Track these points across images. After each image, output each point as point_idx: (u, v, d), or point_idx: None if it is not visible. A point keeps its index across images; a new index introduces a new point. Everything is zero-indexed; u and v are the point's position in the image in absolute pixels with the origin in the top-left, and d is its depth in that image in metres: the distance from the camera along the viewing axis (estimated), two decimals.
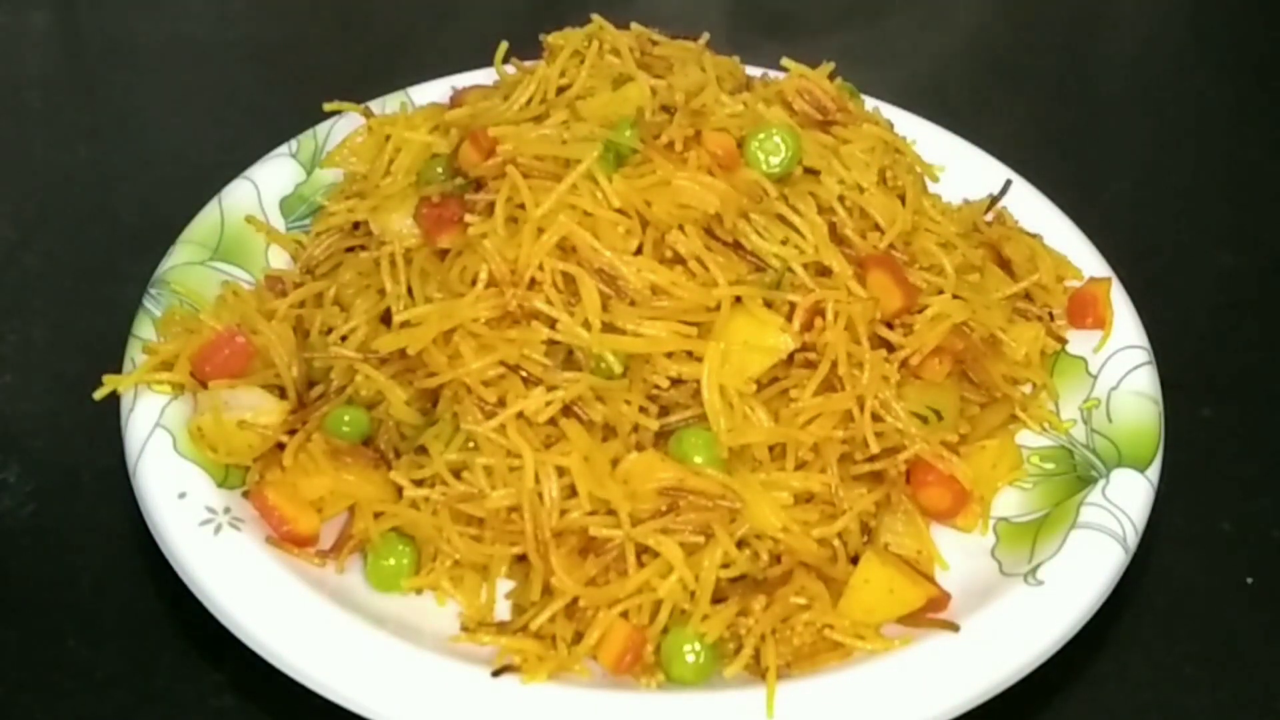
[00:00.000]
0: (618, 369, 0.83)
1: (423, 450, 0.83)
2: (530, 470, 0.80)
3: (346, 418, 0.85)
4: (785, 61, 0.99)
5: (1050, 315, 0.97)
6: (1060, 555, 0.83)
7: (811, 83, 0.97)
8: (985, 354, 0.91)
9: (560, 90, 0.94)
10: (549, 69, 0.95)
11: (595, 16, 0.99)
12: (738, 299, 0.84)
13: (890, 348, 0.87)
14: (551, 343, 0.83)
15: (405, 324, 0.84)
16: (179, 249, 0.95)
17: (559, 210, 0.84)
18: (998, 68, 1.36)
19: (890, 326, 0.87)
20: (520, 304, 0.83)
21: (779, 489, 0.82)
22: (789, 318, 0.84)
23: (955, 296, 0.90)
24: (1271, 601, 0.89)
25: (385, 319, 0.87)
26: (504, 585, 0.82)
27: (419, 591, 0.81)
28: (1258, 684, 0.85)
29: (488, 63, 1.03)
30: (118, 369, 0.88)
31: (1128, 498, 0.86)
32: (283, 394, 0.87)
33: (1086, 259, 1.00)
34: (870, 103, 1.03)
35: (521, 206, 0.84)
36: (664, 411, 0.83)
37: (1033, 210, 1.04)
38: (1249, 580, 0.90)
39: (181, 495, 0.82)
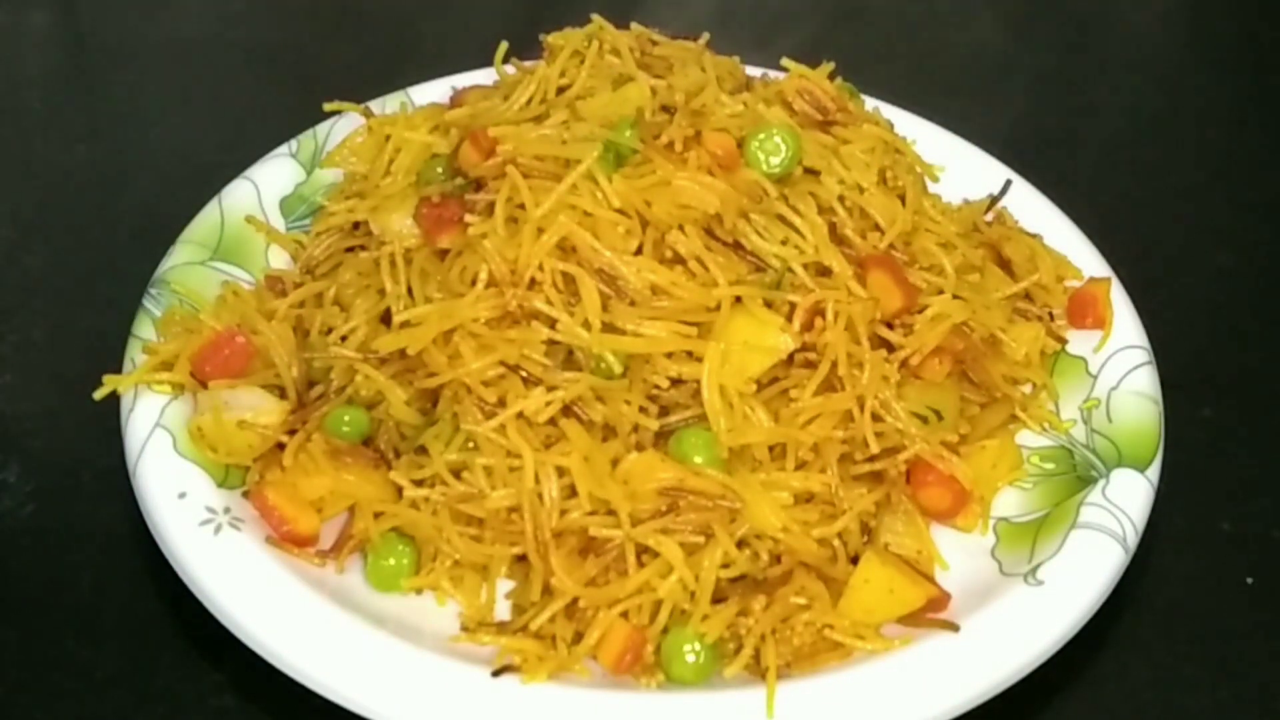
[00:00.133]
0: (618, 369, 0.83)
1: (423, 450, 0.83)
2: (530, 470, 0.80)
3: (346, 418, 0.85)
4: (785, 61, 0.99)
5: (1050, 315, 0.97)
6: (1060, 555, 0.83)
7: (811, 83, 0.97)
8: (985, 354, 0.91)
9: (560, 90, 0.94)
10: (549, 69, 0.95)
11: (595, 16, 0.99)
12: (738, 299, 0.84)
13: (890, 348, 0.87)
14: (551, 343, 0.83)
15: (405, 324, 0.84)
16: (179, 249, 0.95)
17: (559, 210, 0.84)
18: (998, 68, 1.36)
19: (890, 326, 0.87)
20: (520, 304, 0.83)
21: (779, 489, 0.82)
22: (789, 318, 0.84)
23: (955, 296, 0.90)
24: (1271, 601, 0.89)
25: (385, 319, 0.87)
26: (504, 585, 0.82)
27: (419, 591, 0.81)
28: (1258, 684, 0.85)
29: (488, 63, 1.03)
30: (118, 369, 0.88)
31: (1128, 498, 0.86)
32: (283, 394, 0.87)
33: (1086, 259, 1.00)
34: (870, 103, 1.03)
35: (521, 206, 0.84)
36: (664, 411, 0.83)
37: (1033, 210, 1.04)
38: (1249, 580, 0.90)
39: (181, 495, 0.82)
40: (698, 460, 0.81)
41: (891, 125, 1.00)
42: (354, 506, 0.83)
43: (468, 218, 0.86)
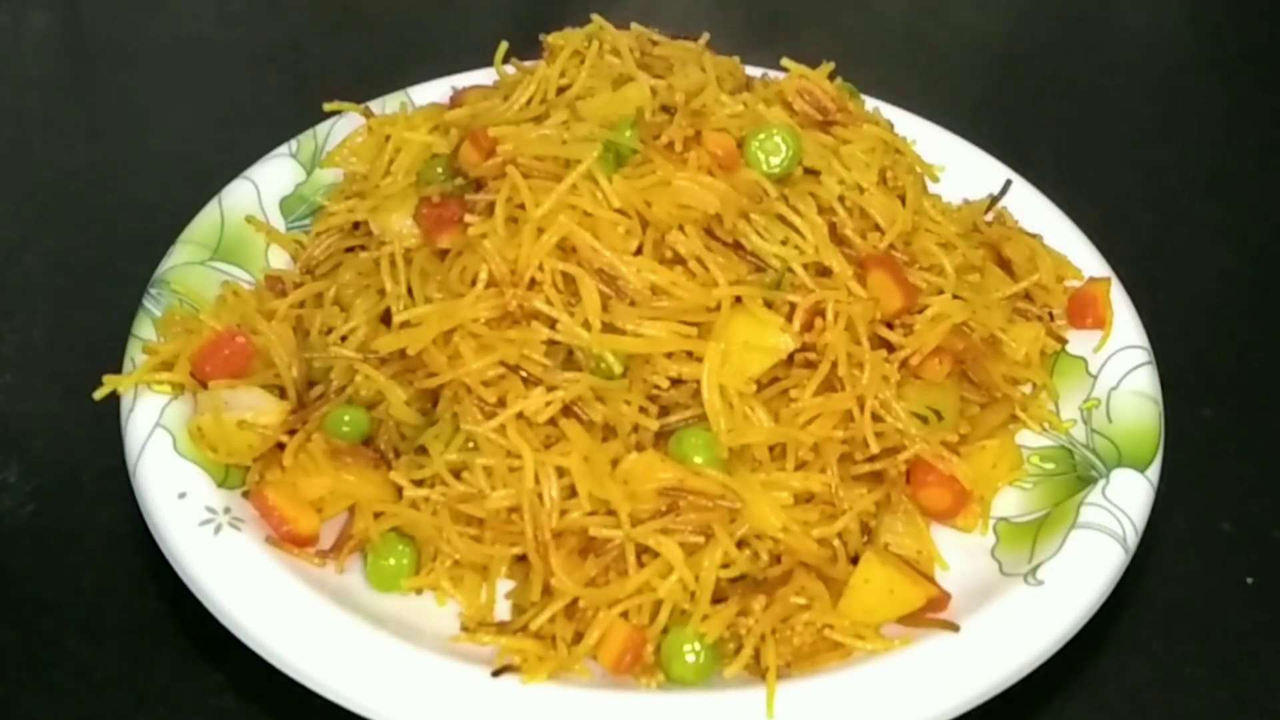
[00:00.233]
0: (618, 369, 0.83)
1: (423, 450, 0.83)
2: (530, 471, 0.80)
3: (346, 418, 0.85)
4: (785, 61, 0.99)
5: (1050, 315, 0.97)
6: (1060, 555, 0.83)
7: (811, 83, 0.97)
8: (985, 354, 0.91)
9: (560, 90, 0.94)
10: (549, 69, 0.95)
11: (595, 16, 0.99)
12: (738, 299, 0.84)
13: (890, 348, 0.87)
14: (551, 343, 0.83)
15: (405, 324, 0.84)
16: (179, 249, 0.95)
17: (559, 210, 0.84)
18: (998, 68, 1.36)
19: (890, 326, 0.87)
20: (520, 304, 0.83)
21: (779, 489, 0.82)
22: (789, 318, 0.84)
23: (955, 296, 0.90)
24: (1271, 601, 0.89)
25: (385, 319, 0.87)
26: (504, 585, 0.82)
27: (419, 591, 0.81)
28: (1258, 684, 0.85)
29: (488, 63, 1.03)
30: (118, 369, 0.88)
31: (1128, 498, 0.86)
32: (283, 394, 0.87)
33: (1086, 259, 1.00)
34: (870, 103, 1.03)
35: (521, 207, 0.84)
36: (664, 411, 0.83)
37: (1033, 210, 1.04)
38: (1249, 580, 0.90)
39: (181, 495, 0.82)
40: (698, 460, 0.81)
41: (891, 125, 1.00)
42: (354, 506, 0.83)
43: (468, 218, 0.86)
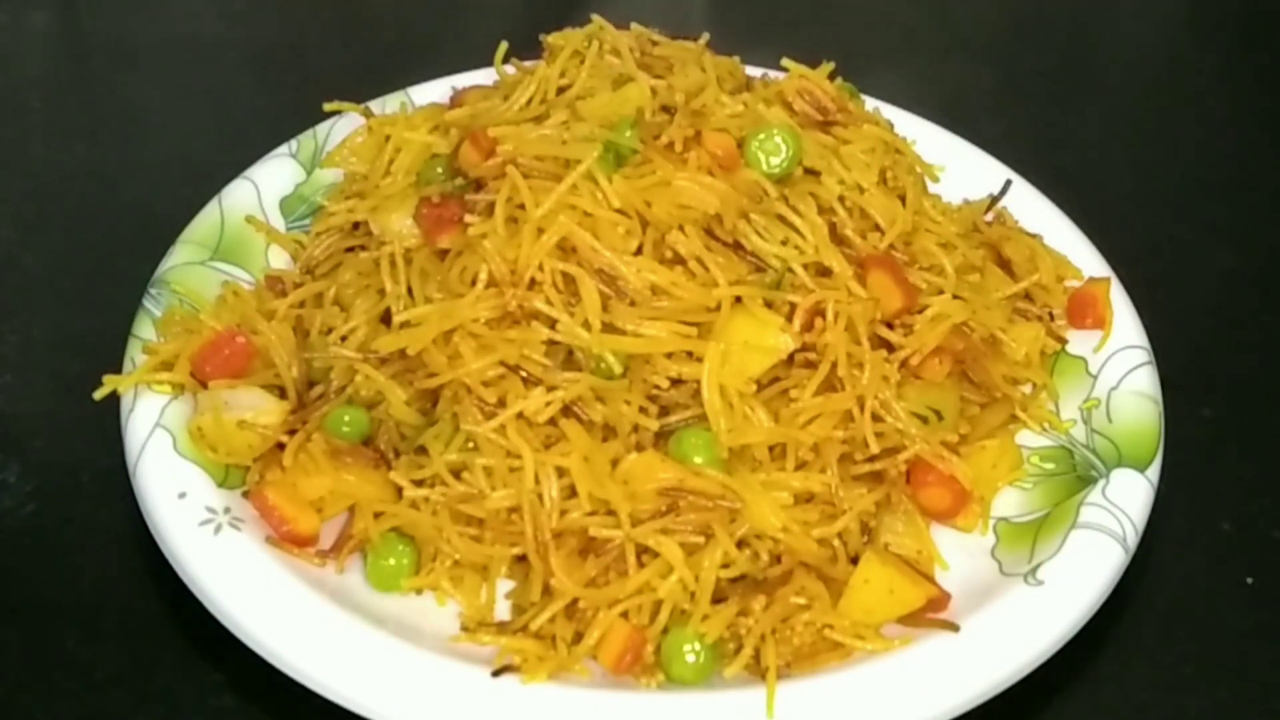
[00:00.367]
0: (618, 369, 0.83)
1: (423, 450, 0.83)
2: (530, 471, 0.80)
3: (346, 418, 0.85)
4: (785, 62, 0.99)
5: (1050, 315, 0.97)
6: (1060, 555, 0.83)
7: (811, 83, 0.97)
8: (985, 354, 0.91)
9: (560, 90, 0.94)
10: (549, 69, 0.95)
11: (595, 17, 0.99)
12: (738, 299, 0.84)
13: (890, 348, 0.87)
14: (551, 343, 0.83)
15: (405, 324, 0.84)
16: (179, 249, 0.95)
17: (559, 210, 0.84)
18: (998, 68, 1.36)
19: (890, 327, 0.87)
20: (520, 304, 0.83)
21: (779, 489, 0.82)
22: (789, 318, 0.84)
23: (955, 297, 0.90)
24: (1271, 601, 0.89)
25: (385, 319, 0.87)
26: (504, 585, 0.82)
27: (419, 591, 0.81)
28: (1258, 684, 0.85)
29: (488, 63, 1.03)
30: (118, 369, 0.88)
31: (1128, 498, 0.86)
32: (283, 394, 0.87)
33: (1086, 259, 1.00)
34: (870, 103, 1.03)
35: (521, 207, 0.84)
36: (664, 411, 0.83)
37: (1033, 210, 1.04)
38: (1249, 580, 0.90)
39: (181, 495, 0.82)
40: (698, 460, 0.81)
41: (891, 125, 1.00)
42: (354, 506, 0.83)
43: (468, 218, 0.86)
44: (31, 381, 0.97)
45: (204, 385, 0.86)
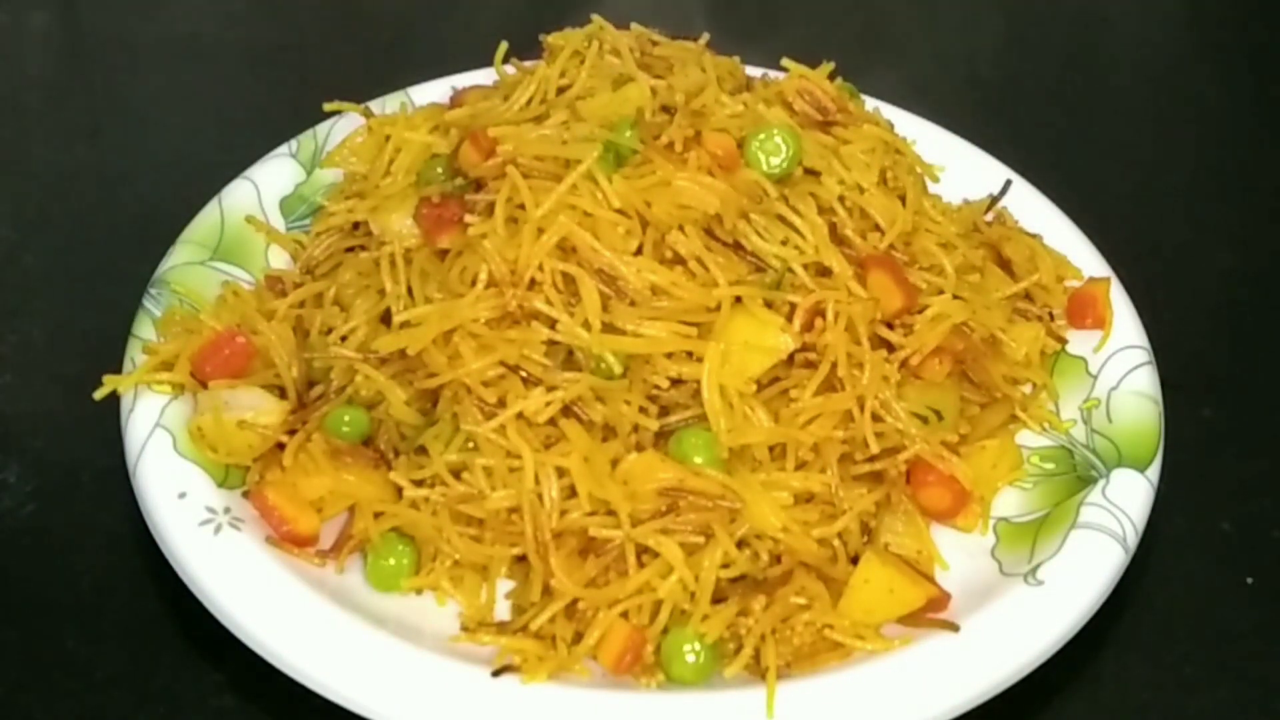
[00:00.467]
0: (618, 369, 0.83)
1: (423, 450, 0.83)
2: (530, 471, 0.80)
3: (346, 418, 0.85)
4: (785, 62, 0.99)
5: (1050, 315, 0.97)
6: (1060, 555, 0.83)
7: (811, 83, 0.97)
8: (985, 354, 0.91)
9: (560, 90, 0.94)
10: (549, 69, 0.95)
11: (595, 17, 0.99)
12: (738, 299, 0.84)
13: (890, 348, 0.87)
14: (551, 343, 0.83)
15: (405, 324, 0.84)
16: (179, 249, 0.95)
17: (559, 210, 0.84)
18: (998, 68, 1.36)
19: (890, 327, 0.87)
20: (520, 304, 0.83)
21: (779, 489, 0.82)
22: (789, 318, 0.84)
23: (955, 297, 0.90)
24: (1271, 601, 0.89)
25: (385, 319, 0.87)
26: (504, 585, 0.82)
27: (419, 591, 0.81)
28: (1258, 684, 0.85)
29: (488, 63, 1.03)
30: (118, 369, 0.88)
31: (1128, 498, 0.86)
32: (283, 394, 0.87)
33: (1086, 259, 1.00)
34: (870, 103, 1.03)
35: (521, 207, 0.84)
36: (664, 411, 0.83)
37: (1033, 210, 1.04)
38: (1249, 580, 0.90)
39: (181, 495, 0.82)
40: (698, 460, 0.81)
41: (892, 125, 1.00)
42: (354, 506, 0.83)
43: (468, 218, 0.86)
44: (31, 381, 0.97)
45: (204, 385, 0.86)
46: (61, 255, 1.07)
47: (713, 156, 0.87)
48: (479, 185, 0.88)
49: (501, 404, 0.82)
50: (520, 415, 0.81)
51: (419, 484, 0.82)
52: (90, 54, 1.32)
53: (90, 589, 0.85)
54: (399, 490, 0.83)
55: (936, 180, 1.02)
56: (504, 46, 1.02)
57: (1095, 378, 0.93)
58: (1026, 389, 0.93)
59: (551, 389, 0.82)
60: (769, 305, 0.84)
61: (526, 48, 1.01)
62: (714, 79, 0.95)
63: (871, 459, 0.84)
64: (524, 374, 0.82)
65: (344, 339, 0.87)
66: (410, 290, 0.87)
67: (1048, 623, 0.80)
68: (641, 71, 0.93)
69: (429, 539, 0.82)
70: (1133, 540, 0.84)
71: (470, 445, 0.82)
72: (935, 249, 0.92)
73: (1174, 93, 1.34)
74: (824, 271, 0.87)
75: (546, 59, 0.97)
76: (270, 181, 1.01)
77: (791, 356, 0.84)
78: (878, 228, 0.90)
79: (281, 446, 0.84)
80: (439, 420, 0.83)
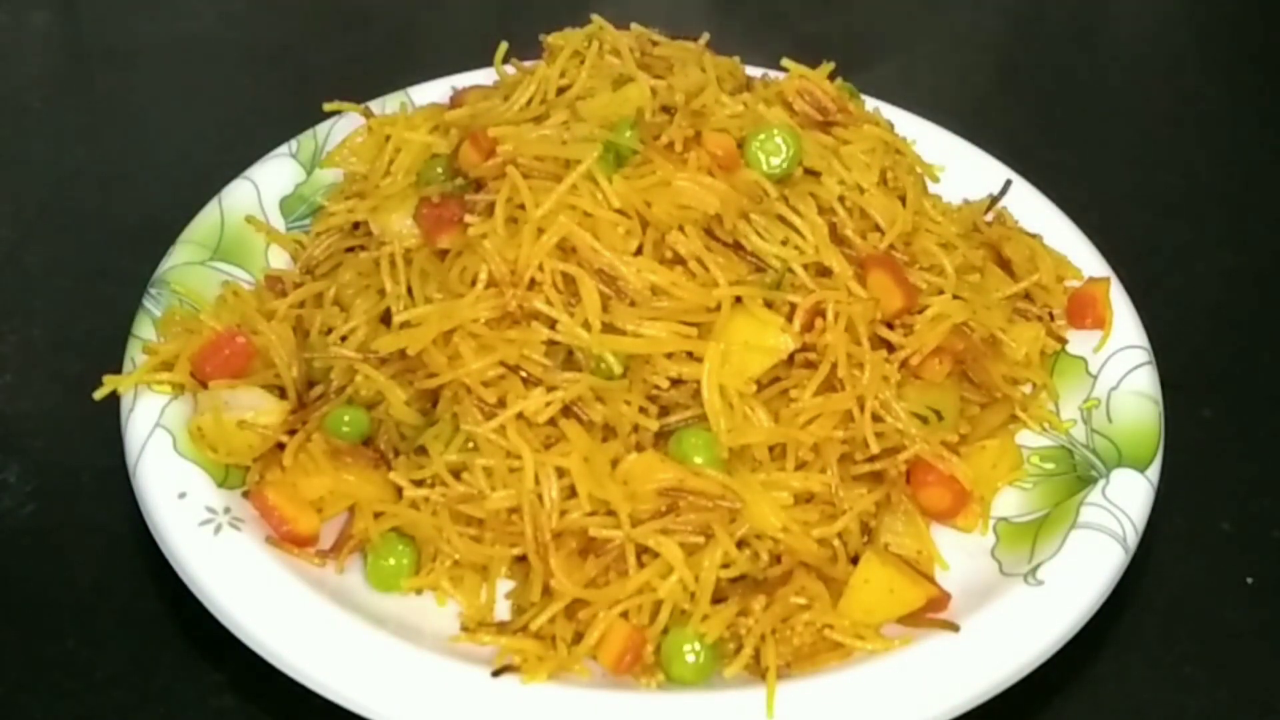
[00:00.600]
0: (618, 369, 0.83)
1: (423, 450, 0.83)
2: (530, 471, 0.80)
3: (346, 418, 0.85)
4: (785, 62, 0.99)
5: (1050, 315, 0.97)
6: (1060, 555, 0.83)
7: (812, 83, 0.97)
8: (985, 354, 0.91)
9: (560, 91, 0.94)
10: (549, 69, 0.95)
11: (595, 17, 0.99)
12: (738, 299, 0.84)
13: (890, 348, 0.87)
14: (551, 343, 0.83)
15: (405, 324, 0.84)
16: (179, 249, 0.95)
17: (559, 211, 0.84)
18: (998, 68, 1.36)
19: (890, 327, 0.87)
20: (520, 304, 0.83)
21: (779, 489, 0.82)
22: (789, 318, 0.84)
23: (955, 297, 0.90)
24: (1271, 601, 0.89)
25: (385, 319, 0.87)
26: (504, 585, 0.82)
27: (419, 591, 0.81)
28: (1258, 684, 0.85)
29: (488, 63, 1.03)
30: (118, 369, 0.88)
31: (1128, 498, 0.86)
32: (283, 394, 0.87)
33: (1086, 259, 1.00)
34: (870, 103, 1.03)
35: (521, 207, 0.84)
36: (664, 412, 0.83)
37: (1033, 210, 1.04)
38: (1249, 580, 0.90)
39: (181, 495, 0.82)
40: (698, 460, 0.81)
41: (892, 125, 1.00)
42: (354, 506, 0.83)
43: (468, 218, 0.86)
44: (31, 381, 0.97)
45: (204, 385, 0.86)
46: (61, 255, 1.07)
47: (713, 156, 0.87)
48: (479, 185, 0.88)
49: (501, 404, 0.82)
50: (520, 415, 0.81)
51: (419, 484, 0.82)
52: (90, 54, 1.32)
53: (90, 589, 0.85)
54: (399, 490, 0.83)
55: (936, 180, 1.02)
56: (504, 46, 1.02)
57: (1095, 378, 0.93)
58: (1026, 389, 0.93)
59: (551, 389, 0.82)
60: (769, 305, 0.84)
61: (526, 48, 1.01)
62: (714, 79, 0.95)
63: (871, 459, 0.85)
64: (524, 374, 0.82)
65: (344, 339, 0.87)
66: (410, 290, 0.87)
67: (1048, 623, 0.80)
68: (641, 71, 0.93)
69: (429, 539, 0.82)
70: (1133, 540, 0.84)
71: (470, 445, 0.82)
72: (935, 249, 0.92)
73: (1174, 93, 1.34)
74: (824, 271, 0.87)
75: (546, 59, 0.97)
76: (270, 181, 1.01)
77: (791, 356, 0.84)
78: (878, 228, 0.90)
79: (281, 446, 0.84)
80: (439, 420, 0.83)
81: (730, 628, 0.79)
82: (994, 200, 1.03)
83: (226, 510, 0.82)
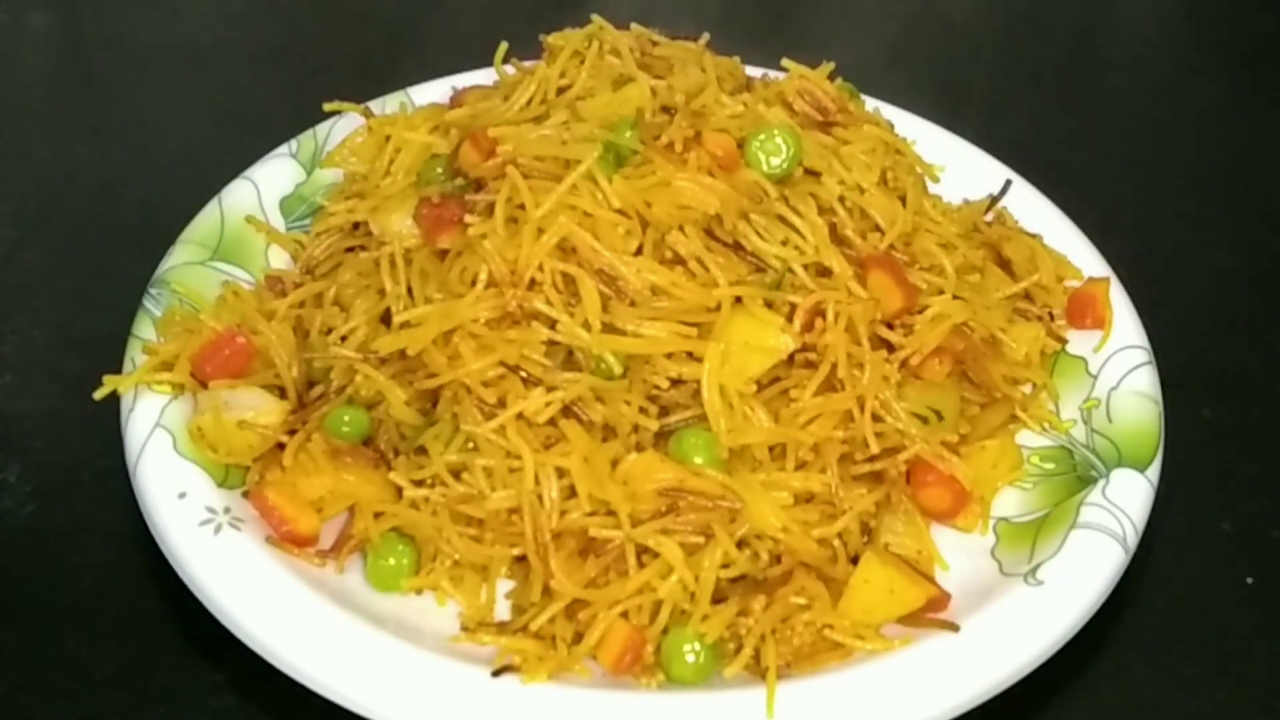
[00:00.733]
0: (618, 369, 0.83)
1: (423, 451, 0.83)
2: (530, 472, 0.80)
3: (346, 418, 0.85)
4: (785, 62, 0.99)
5: (1050, 315, 0.97)
6: (1060, 555, 0.83)
7: (812, 83, 0.97)
8: (985, 354, 0.91)
9: (560, 91, 0.94)
10: (549, 69, 0.95)
11: (595, 17, 0.99)
12: (738, 299, 0.84)
13: (890, 348, 0.87)
14: (551, 343, 0.83)
15: (405, 324, 0.84)
16: (179, 249, 0.95)
17: (559, 211, 0.84)
18: (998, 68, 1.36)
19: (890, 327, 0.87)
20: (520, 304, 0.83)
21: (779, 489, 0.82)
22: (789, 318, 0.84)
23: (955, 297, 0.90)
24: (1271, 601, 0.89)
25: (385, 319, 0.87)
26: (504, 585, 0.82)
27: (419, 591, 0.81)
28: (1258, 684, 0.85)
29: (488, 63, 1.03)
30: (118, 369, 0.88)
31: (1128, 498, 0.86)
32: (283, 394, 0.87)
33: (1086, 259, 1.00)
34: (870, 103, 1.03)
35: (521, 207, 0.84)
36: (664, 412, 0.83)
37: (1033, 210, 1.04)
38: (1249, 580, 0.90)
39: (181, 495, 0.82)
40: (698, 460, 0.81)
41: (892, 126, 1.00)
42: (354, 506, 0.83)
43: (468, 218, 0.86)
44: (31, 381, 0.97)
45: (204, 385, 0.86)
46: (61, 255, 1.07)
47: (713, 157, 0.87)
48: (479, 185, 0.88)
49: (501, 404, 0.82)
50: (520, 415, 0.81)
51: (419, 484, 0.82)
52: (90, 54, 1.32)
53: (90, 589, 0.85)
54: (399, 490, 0.83)
55: (936, 180, 1.02)
56: (504, 46, 1.02)
57: (1095, 378, 0.93)
58: (1026, 389, 0.93)
59: (551, 389, 0.82)
60: (769, 305, 0.84)
61: (526, 48, 1.01)
62: (714, 79, 0.95)
63: (871, 459, 0.85)
64: (524, 374, 0.82)
65: (344, 339, 0.87)
66: (410, 290, 0.87)
67: (1048, 623, 0.80)
68: (641, 71, 0.93)
69: (429, 539, 0.82)
70: (1133, 540, 0.84)
71: (470, 445, 0.82)
72: (935, 249, 0.92)
73: (1174, 93, 1.34)
74: (824, 272, 0.87)
75: (546, 59, 0.97)
76: (270, 181, 1.01)
77: (791, 356, 0.84)
78: (878, 228, 0.90)
79: (281, 446, 0.84)
80: (439, 420, 0.83)
81: (730, 628, 0.79)
82: (994, 200, 1.03)
83: (226, 510, 0.82)
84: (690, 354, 0.83)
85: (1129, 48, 1.43)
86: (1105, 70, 1.37)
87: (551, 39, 0.98)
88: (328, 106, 1.03)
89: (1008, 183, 1.05)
